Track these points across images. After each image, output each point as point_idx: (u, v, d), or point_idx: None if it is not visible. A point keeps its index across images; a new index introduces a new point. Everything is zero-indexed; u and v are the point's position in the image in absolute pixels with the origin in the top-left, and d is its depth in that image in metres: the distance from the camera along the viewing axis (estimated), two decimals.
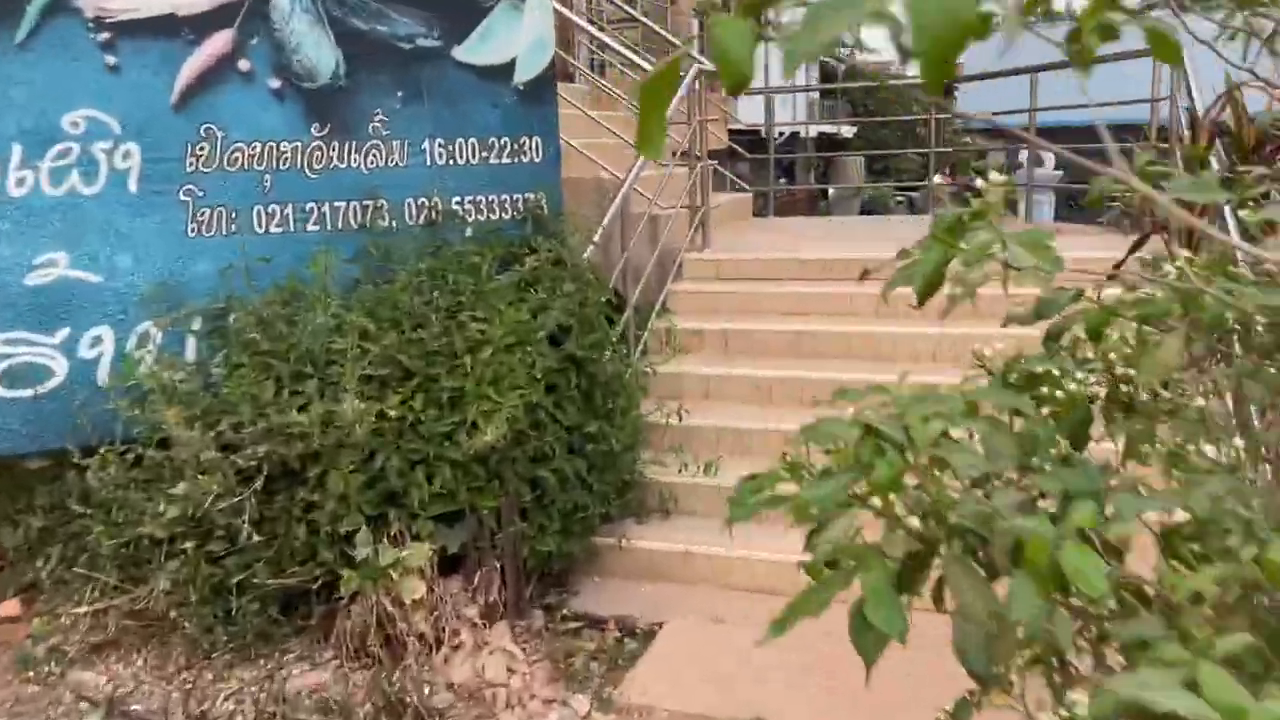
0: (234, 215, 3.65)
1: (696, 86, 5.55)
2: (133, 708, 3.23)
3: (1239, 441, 1.39)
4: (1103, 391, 1.54)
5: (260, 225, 3.71)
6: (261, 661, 3.38)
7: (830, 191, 18.31)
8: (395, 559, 3.17)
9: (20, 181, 3.33)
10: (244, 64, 3.64)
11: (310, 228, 3.81)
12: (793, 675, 3.21)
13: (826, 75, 28.45)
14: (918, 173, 20.93)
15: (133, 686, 3.31)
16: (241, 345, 3.43)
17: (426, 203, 4.05)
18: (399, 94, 3.96)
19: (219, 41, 3.57)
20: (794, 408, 4.65)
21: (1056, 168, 13.18)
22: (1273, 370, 1.34)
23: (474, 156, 4.13)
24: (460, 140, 4.09)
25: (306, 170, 3.80)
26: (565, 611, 3.77)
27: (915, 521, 1.03)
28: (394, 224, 3.96)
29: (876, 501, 1.07)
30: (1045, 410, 1.37)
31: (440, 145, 4.06)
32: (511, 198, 4.23)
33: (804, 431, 1.02)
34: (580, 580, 4.01)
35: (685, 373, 4.77)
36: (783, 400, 4.72)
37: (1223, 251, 1.35)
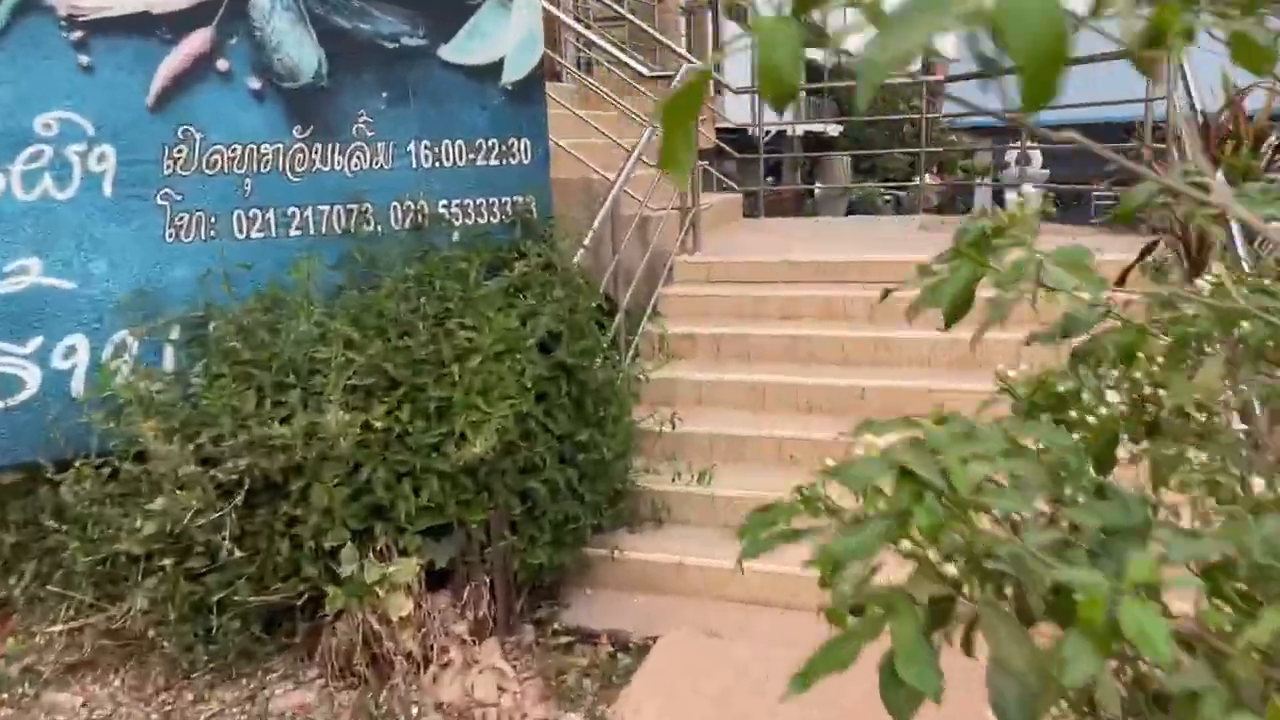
0: (213, 220, 3.54)
1: None
2: None
3: None
4: (1123, 410, 1.46)
5: (240, 230, 3.60)
6: (243, 681, 3.28)
7: (816, 191, 18.26)
8: (382, 575, 3.07)
9: None
10: (223, 64, 3.53)
11: (292, 232, 3.70)
12: (779, 690, 3.13)
13: (812, 74, 28.42)
14: (905, 172, 20.92)
15: (110, 708, 3.21)
16: (221, 355, 3.32)
17: (412, 206, 3.95)
18: (384, 94, 3.86)
19: (196, 41, 3.46)
20: (789, 413, 4.58)
21: (1042, 166, 13.16)
22: None
23: (461, 158, 4.03)
24: (447, 142, 3.99)
25: (288, 173, 3.69)
26: (557, 625, 3.68)
27: (952, 568, 0.95)
28: (379, 228, 3.86)
29: (907, 544, 0.98)
30: (1075, 436, 1.29)
31: (426, 147, 3.96)
32: (500, 201, 4.13)
33: (832, 472, 0.93)
34: (572, 592, 3.92)
35: (677, 378, 4.68)
36: (777, 406, 4.63)
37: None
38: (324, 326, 3.37)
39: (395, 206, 3.92)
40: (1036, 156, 14.01)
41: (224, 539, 3.10)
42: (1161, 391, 1.39)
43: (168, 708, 3.19)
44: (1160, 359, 1.39)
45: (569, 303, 3.82)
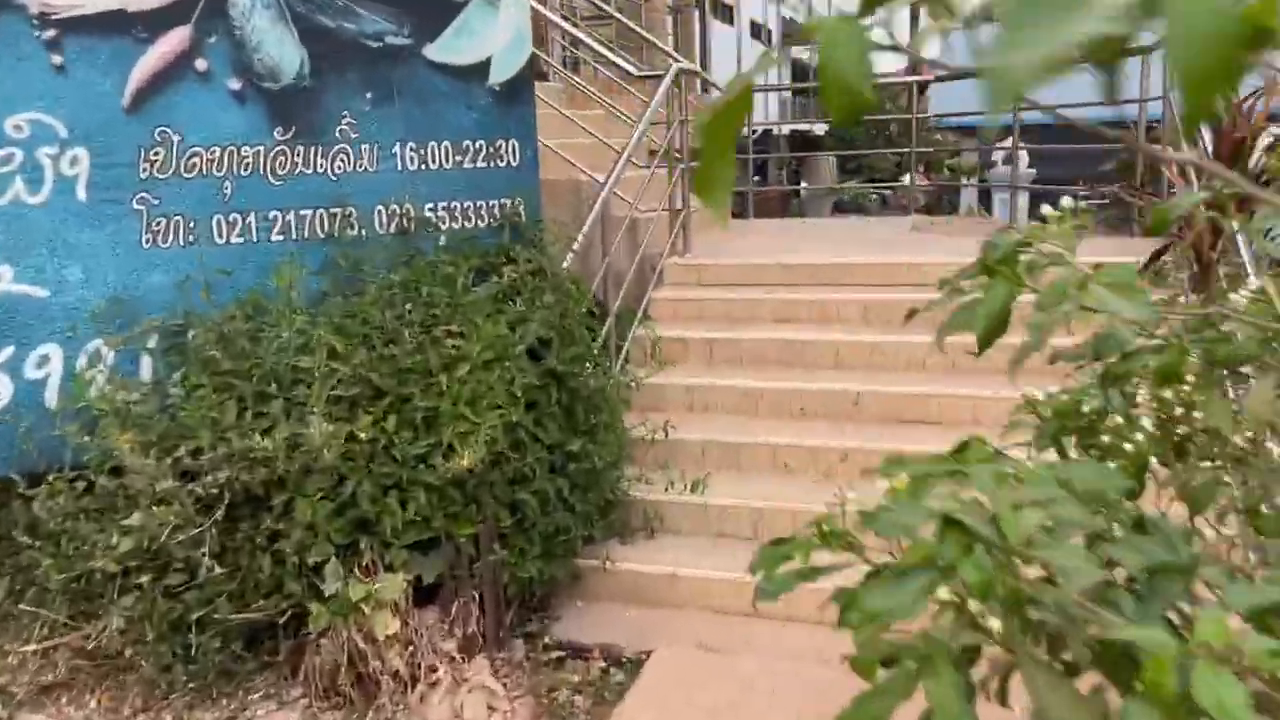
0: (192, 224, 3.43)
1: (679, 86, 5.37)
2: None
3: None
4: (1153, 432, 1.38)
5: (220, 235, 3.49)
6: (224, 702, 3.17)
7: (802, 191, 18.20)
8: (367, 593, 2.97)
9: None
10: (201, 63, 3.42)
11: (274, 237, 3.60)
12: (788, 706, 3.05)
13: (797, 73, 28.40)
14: (892, 171, 20.89)
15: None
16: (200, 364, 3.21)
17: (398, 210, 3.85)
18: (368, 95, 3.76)
19: (173, 39, 3.35)
20: (783, 419, 4.50)
21: (1029, 166, 13.13)
22: None
23: (448, 161, 3.93)
24: (433, 143, 3.89)
25: (269, 176, 3.58)
26: (547, 640, 3.58)
27: (995, 622, 0.86)
28: (363, 233, 3.76)
29: (944, 593, 0.90)
30: (1112, 465, 1.21)
31: (412, 149, 3.85)
32: (488, 204, 4.03)
33: (868, 520, 0.84)
34: (563, 604, 3.83)
35: (669, 384, 4.60)
36: (771, 412, 4.56)
37: None
38: (307, 335, 3.27)
39: (380, 210, 3.82)
40: (1023, 156, 13.99)
41: (203, 555, 2.99)
42: (1196, 414, 1.32)
43: None
44: (1191, 378, 1.32)
45: (559, 308, 3.73)
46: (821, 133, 24.15)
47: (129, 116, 3.31)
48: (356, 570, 3.11)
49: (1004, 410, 4.46)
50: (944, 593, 0.91)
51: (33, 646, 3.26)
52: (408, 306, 3.47)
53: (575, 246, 4.16)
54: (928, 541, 0.79)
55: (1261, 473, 1.30)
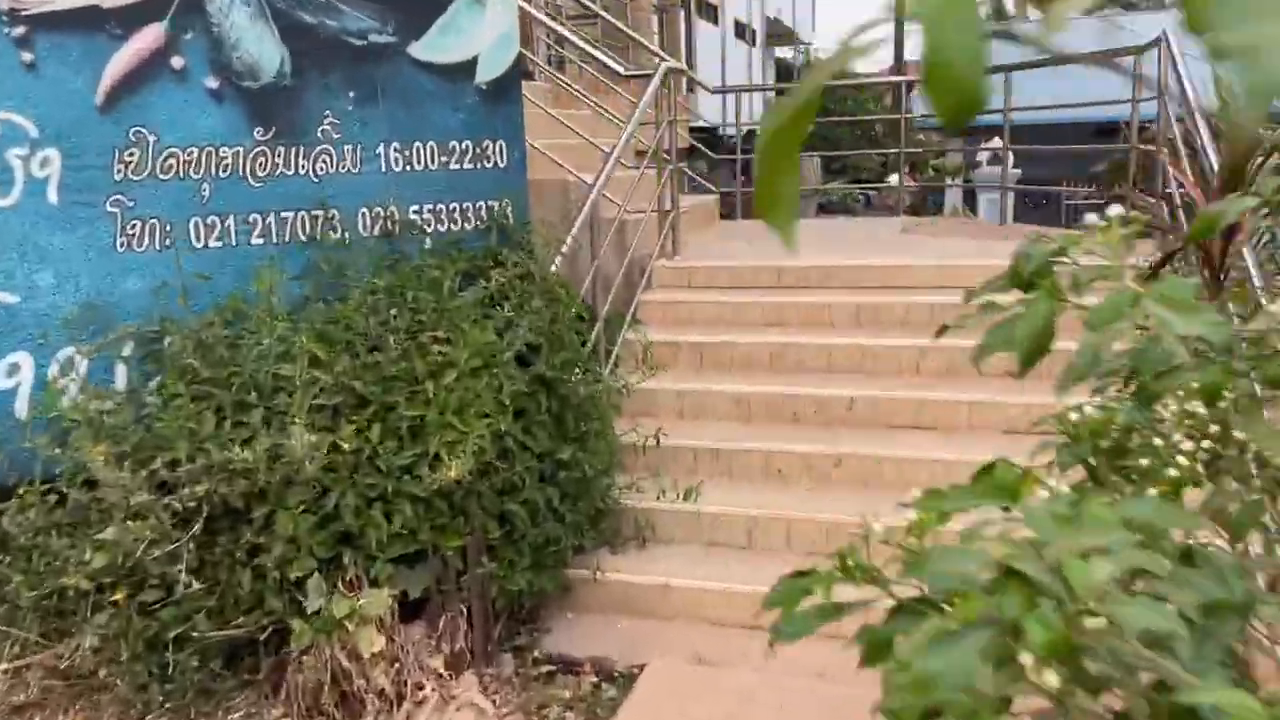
0: (168, 228, 3.32)
1: (668, 86, 5.29)
2: None
3: None
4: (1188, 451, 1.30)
5: (198, 238, 3.38)
6: None
7: None
8: (351, 609, 2.87)
9: None
10: (177, 61, 3.31)
11: (254, 241, 3.49)
12: None
13: (782, 73, 28.41)
14: (876, 171, 20.89)
15: None
16: (178, 372, 3.11)
17: (382, 212, 3.74)
18: (351, 94, 3.65)
19: (149, 36, 3.24)
20: (775, 425, 4.42)
21: (1014, 166, 13.12)
22: None
23: (433, 162, 3.83)
24: (418, 144, 3.79)
25: (249, 178, 3.47)
26: (537, 654, 3.49)
27: (1052, 678, 0.78)
28: (346, 236, 3.65)
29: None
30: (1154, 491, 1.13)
31: (396, 150, 3.75)
32: (474, 206, 3.93)
33: (913, 566, 0.76)
34: (552, 616, 3.74)
35: (659, 389, 4.51)
36: (763, 417, 4.48)
37: None
38: (288, 341, 3.16)
39: (364, 212, 3.72)
40: (1009, 156, 13.99)
41: (180, 571, 2.88)
42: (1236, 434, 1.24)
43: None
44: (1230, 396, 1.24)
45: (548, 312, 3.64)
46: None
47: (102, 116, 3.20)
48: (340, 585, 3.02)
49: (1001, 416, 4.39)
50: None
51: (3, 666, 3.14)
52: (392, 312, 3.38)
53: (564, 249, 4.06)
54: (980, 591, 0.71)
55: None
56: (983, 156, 14.65)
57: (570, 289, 3.90)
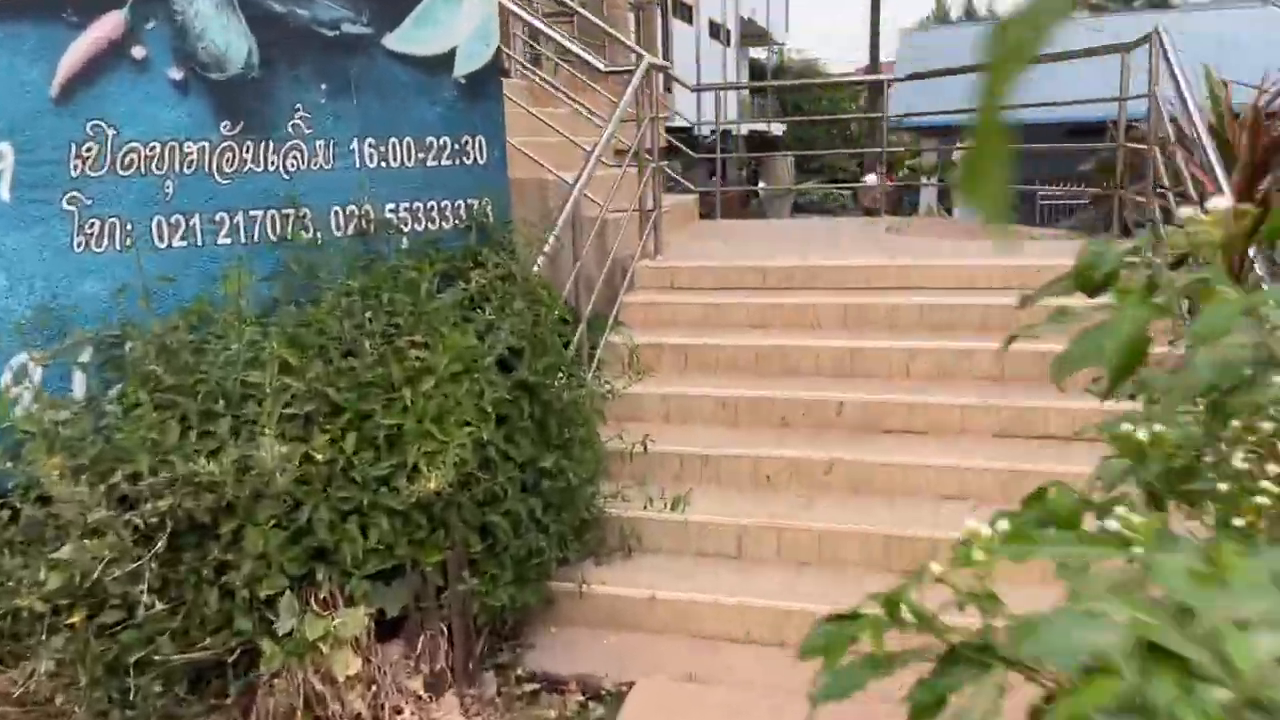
0: (129, 227, 3.14)
1: (650, 83, 5.16)
2: None
3: None
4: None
5: (161, 238, 3.21)
6: None
7: (760, 191, 18.12)
8: (325, 630, 2.71)
9: None
10: (138, 51, 3.13)
11: (220, 241, 3.32)
12: None
13: (755, 73, 28.42)
14: (853, 171, 20.91)
15: None
16: (139, 380, 2.93)
17: (356, 211, 3.58)
18: (323, 87, 3.49)
19: (108, 25, 3.06)
20: (763, 429, 4.31)
21: None
22: None
23: (410, 158, 3.67)
24: (394, 140, 3.63)
25: (215, 174, 3.30)
26: (520, 671, 3.35)
27: None
28: (319, 235, 3.49)
29: None
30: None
31: (371, 145, 3.59)
32: (453, 204, 3.78)
33: (1026, 640, 0.62)
34: (536, 631, 3.59)
35: (644, 393, 4.37)
36: (750, 421, 4.36)
37: None
38: (257, 346, 3.00)
39: (337, 211, 3.56)
40: None
41: (142, 591, 2.72)
42: None
43: None
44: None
45: (531, 315, 3.49)
46: (779, 133, 24.15)
47: (58, 108, 3.01)
48: (313, 603, 2.86)
49: (994, 419, 4.28)
50: None
51: None
52: (367, 315, 3.22)
53: (545, 249, 3.92)
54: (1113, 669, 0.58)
55: None
56: (958, 156, 14.66)
57: (553, 290, 3.76)
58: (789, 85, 25.21)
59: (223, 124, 3.32)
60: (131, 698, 2.81)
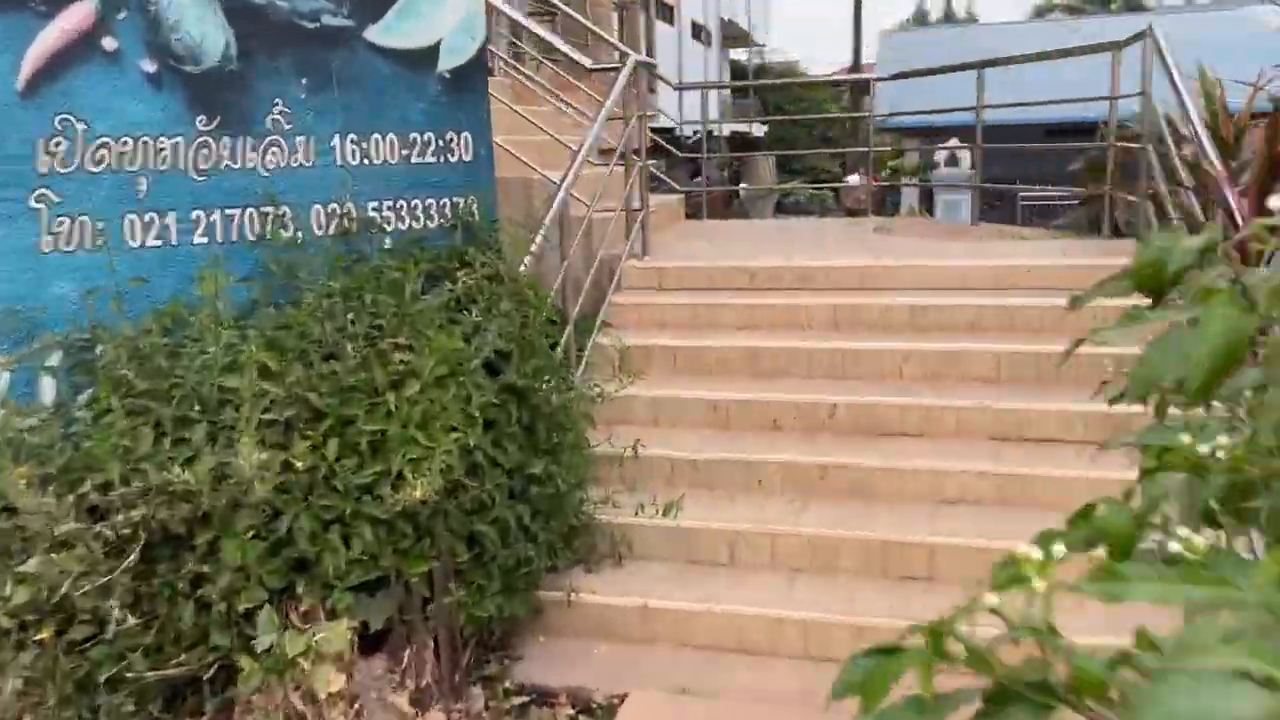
0: (100, 226, 3.02)
1: (637, 81, 5.07)
2: None
3: None
4: None
5: (134, 238, 3.09)
6: None
7: (742, 192, 18.09)
8: (307, 645, 2.60)
9: None
10: (110, 42, 3.01)
11: (196, 240, 3.20)
12: None
13: (736, 74, 28.41)
14: (833, 171, 20.91)
15: None
16: (110, 385, 2.81)
17: (337, 209, 3.47)
18: (303, 81, 3.37)
19: (77, 14, 2.94)
20: (755, 433, 4.23)
21: (971, 167, 13.11)
22: None
23: (393, 155, 3.56)
24: (376, 136, 3.52)
25: (191, 171, 3.18)
26: (508, 684, 3.25)
27: None
28: (299, 235, 3.37)
29: None
30: None
31: (353, 141, 3.48)
32: (438, 202, 3.67)
33: (1149, 711, 0.53)
34: (524, 641, 3.49)
35: (633, 396, 4.28)
36: (741, 424, 4.28)
37: None
38: (235, 350, 2.89)
39: (317, 209, 3.44)
40: (965, 157, 13.99)
41: (113, 606, 2.60)
42: None
43: None
44: None
45: (519, 316, 3.40)
46: (760, 134, 24.14)
47: (24, 102, 2.88)
48: (293, 617, 2.75)
49: (989, 421, 4.20)
50: None
51: None
52: (350, 317, 3.11)
53: (533, 248, 3.82)
54: None
55: None
56: (940, 157, 14.65)
57: (540, 291, 3.66)
58: (774, 85, 25.23)
59: (198, 119, 3.20)
60: (103, 716, 2.69)
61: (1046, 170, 10.62)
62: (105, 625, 2.64)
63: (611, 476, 3.92)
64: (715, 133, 20.07)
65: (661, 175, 8.64)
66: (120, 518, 2.62)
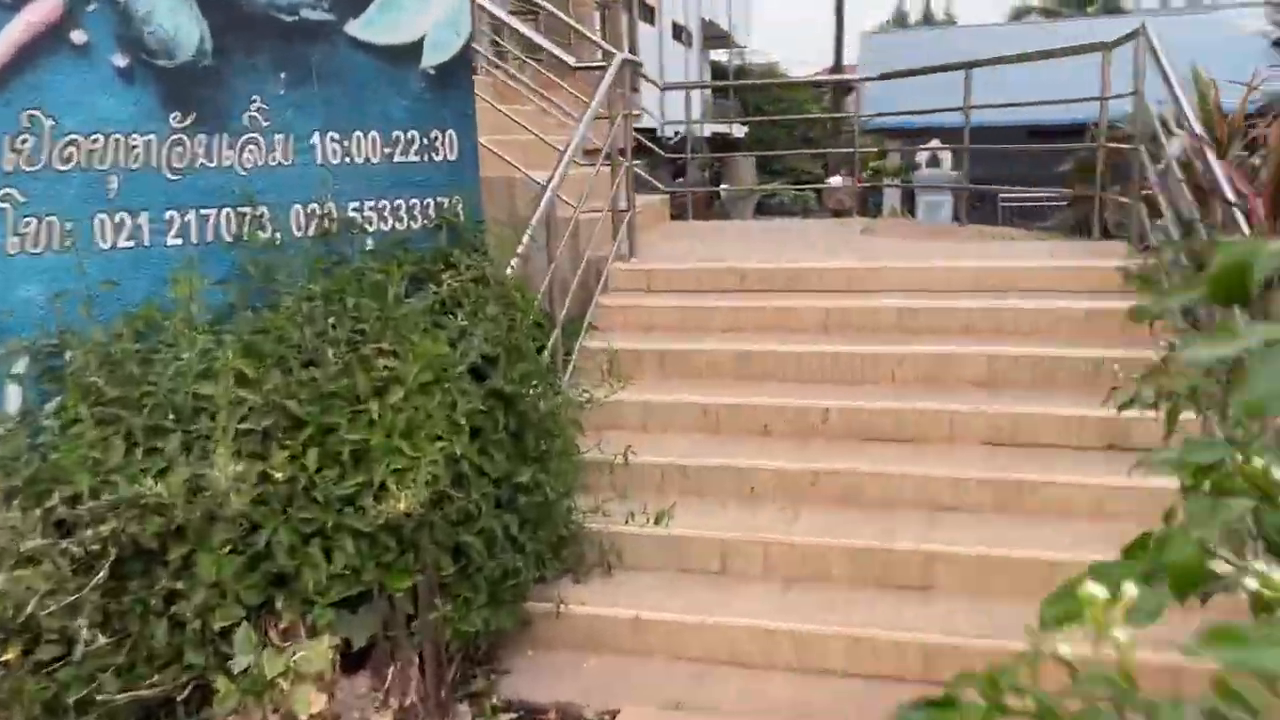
0: (69, 226, 2.89)
1: (623, 80, 4.98)
2: None
3: None
4: None
5: (104, 239, 2.96)
6: None
7: (722, 193, 18.03)
8: (286, 665, 2.50)
9: None
10: (78, 35, 2.89)
11: (170, 241, 3.08)
12: None
13: (717, 74, 28.37)
14: (815, 173, 20.89)
15: None
16: (80, 393, 2.70)
17: (318, 209, 3.36)
18: (281, 76, 3.26)
19: (43, 7, 2.81)
20: (746, 438, 4.14)
21: (953, 167, 13.12)
22: None
23: (375, 153, 3.45)
24: (358, 134, 3.41)
25: (164, 169, 3.07)
26: (495, 700, 3.15)
27: None
28: (277, 236, 3.26)
29: None
30: None
31: (333, 140, 3.37)
32: (421, 202, 3.56)
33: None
34: (512, 655, 3.39)
35: (621, 400, 4.17)
36: (732, 429, 4.19)
37: None
38: (210, 356, 2.78)
39: (297, 209, 3.34)
40: (946, 158, 13.99)
41: (81, 625, 2.48)
42: None
43: None
44: None
45: (505, 320, 3.30)
46: (741, 134, 24.12)
47: None
48: (272, 635, 2.64)
49: (985, 426, 4.12)
50: None
51: None
52: (330, 321, 3.01)
53: (520, 250, 3.72)
54: None
55: None
56: (921, 158, 14.65)
57: (527, 294, 3.56)
58: (756, 85, 25.21)
59: (172, 115, 3.08)
60: None
61: (1028, 171, 10.61)
62: (74, 645, 2.52)
63: (601, 484, 3.83)
64: (697, 133, 20.02)
65: (647, 176, 8.56)
66: (89, 532, 2.51)
